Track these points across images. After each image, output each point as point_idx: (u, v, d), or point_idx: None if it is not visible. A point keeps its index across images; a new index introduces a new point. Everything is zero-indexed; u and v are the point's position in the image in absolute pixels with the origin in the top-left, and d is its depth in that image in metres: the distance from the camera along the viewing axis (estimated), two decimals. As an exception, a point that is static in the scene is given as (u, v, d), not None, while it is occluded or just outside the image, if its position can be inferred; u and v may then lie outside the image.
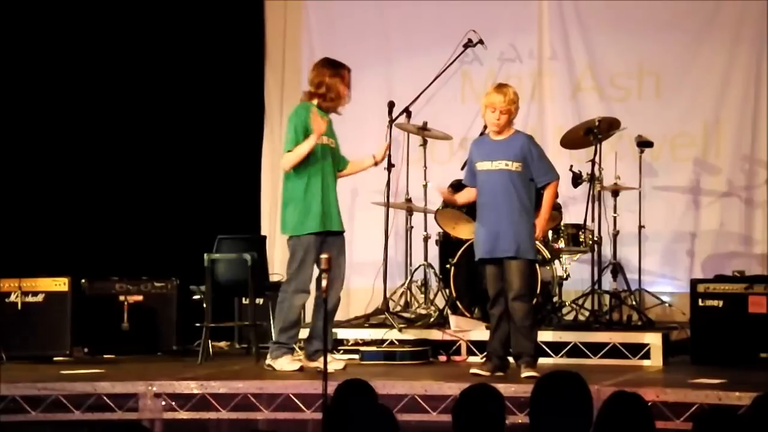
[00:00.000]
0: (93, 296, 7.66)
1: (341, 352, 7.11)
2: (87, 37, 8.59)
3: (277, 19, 8.91)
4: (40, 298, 7.41)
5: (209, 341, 7.16)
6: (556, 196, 6.69)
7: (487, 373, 6.07)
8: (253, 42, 8.89)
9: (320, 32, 8.83)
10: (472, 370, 6.14)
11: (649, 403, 3.54)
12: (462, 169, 6.73)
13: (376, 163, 6.71)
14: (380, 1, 8.69)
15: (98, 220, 8.56)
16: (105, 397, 5.91)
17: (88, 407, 5.89)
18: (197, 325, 7.21)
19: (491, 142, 6.20)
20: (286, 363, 6.43)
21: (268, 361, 6.49)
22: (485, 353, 6.31)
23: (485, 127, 6.64)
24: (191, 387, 5.98)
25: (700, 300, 6.80)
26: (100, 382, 6.03)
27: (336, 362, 6.43)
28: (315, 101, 6.47)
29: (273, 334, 6.61)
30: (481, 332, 6.97)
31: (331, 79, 6.44)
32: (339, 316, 7.95)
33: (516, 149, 6.13)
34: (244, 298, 7.65)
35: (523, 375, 6.02)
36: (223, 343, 8.02)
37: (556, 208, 7.51)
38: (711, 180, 8.01)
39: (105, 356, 7.46)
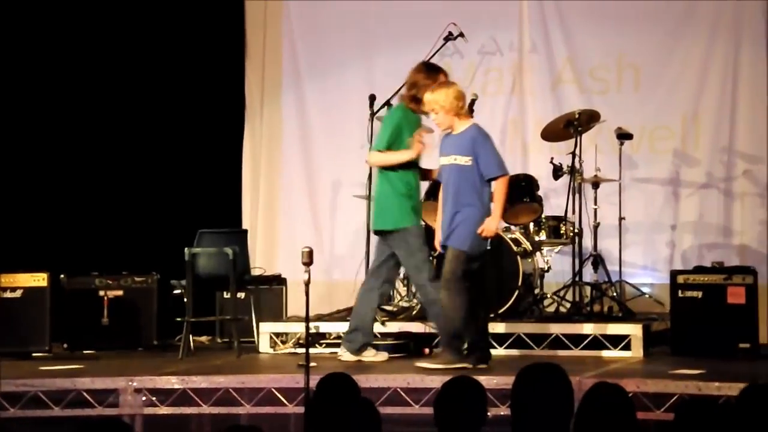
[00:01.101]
0: (72, 291, 7.62)
1: (323, 345, 7.10)
2: (67, 34, 8.54)
3: (258, 15, 8.88)
4: (18, 293, 7.35)
5: (190, 336, 7.14)
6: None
7: (470, 366, 6.08)
8: (233, 38, 8.85)
9: (301, 28, 8.81)
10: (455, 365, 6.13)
11: (630, 394, 3.54)
12: None
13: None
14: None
15: (78, 215, 8.52)
16: (85, 393, 5.87)
17: (68, 403, 5.85)
18: (178, 319, 7.18)
19: (449, 137, 6.22)
20: (372, 354, 6.50)
21: (352, 356, 6.51)
22: (466, 346, 6.32)
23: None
24: (172, 382, 5.95)
25: (679, 291, 6.83)
26: (80, 378, 5.99)
27: (380, 354, 6.47)
28: (407, 102, 6.52)
29: (362, 330, 6.55)
30: (462, 325, 6.98)
31: (424, 83, 6.46)
32: (321, 309, 7.98)
33: (466, 143, 6.12)
34: (225, 293, 7.63)
35: (417, 364, 6.07)
36: (204, 338, 8.00)
37: (538, 201, 7.54)
38: (690, 172, 8.04)
39: (85, 352, 7.42)
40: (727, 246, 7.85)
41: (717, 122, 7.97)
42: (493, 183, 6.13)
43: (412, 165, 6.47)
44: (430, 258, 6.63)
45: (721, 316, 6.68)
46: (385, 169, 6.47)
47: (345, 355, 6.53)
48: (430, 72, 6.48)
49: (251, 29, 8.90)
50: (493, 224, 6.10)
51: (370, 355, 6.51)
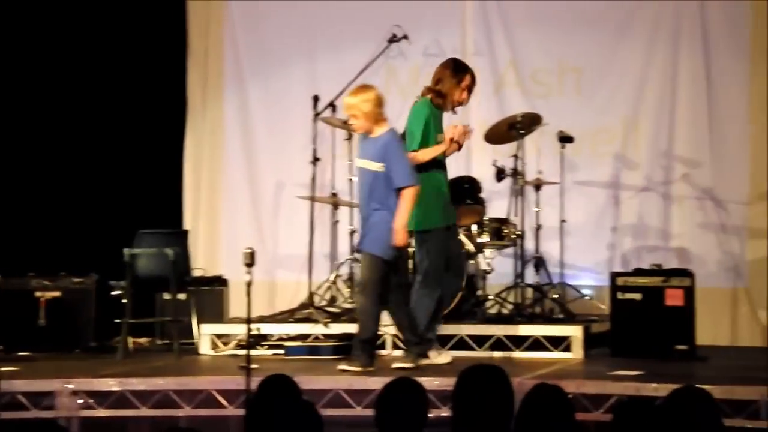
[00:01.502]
0: (8, 292, 7.49)
1: (265, 347, 7.07)
2: (7, 31, 8.39)
3: (200, 14, 8.81)
4: (-47, 294, 7.23)
5: (129, 337, 7.06)
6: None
7: (411, 365, 6.08)
8: (175, 37, 8.77)
9: (244, 27, 8.76)
10: (340, 367, 6.11)
11: (570, 395, 3.57)
12: None
13: (459, 148, 6.68)
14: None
15: (13, 215, 8.37)
16: (20, 396, 5.77)
17: (3, 406, 5.74)
18: (117, 321, 7.10)
19: (366, 139, 6.21)
20: (434, 356, 6.41)
21: (411, 359, 6.38)
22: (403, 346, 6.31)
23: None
24: (110, 384, 5.88)
25: (619, 293, 6.90)
26: (15, 380, 5.89)
27: (444, 356, 6.41)
28: (430, 96, 6.52)
29: (417, 331, 6.43)
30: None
31: (449, 80, 6.50)
32: (264, 310, 7.94)
33: (379, 149, 6.12)
34: (165, 294, 7.56)
35: (339, 367, 6.07)
36: (143, 340, 7.91)
37: (481, 203, 7.58)
38: (630, 175, 8.13)
39: (20, 353, 7.29)
40: (665, 248, 7.95)
41: (656, 126, 8.06)
42: (403, 191, 6.11)
43: (439, 164, 6.46)
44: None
45: (660, 318, 6.77)
46: (421, 167, 6.42)
47: (408, 360, 6.38)
48: (458, 71, 6.53)
49: (193, 28, 8.82)
50: (402, 234, 6.09)
51: (433, 357, 6.39)
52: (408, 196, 6.08)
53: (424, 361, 6.29)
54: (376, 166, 6.11)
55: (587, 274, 8.09)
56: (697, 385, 3.70)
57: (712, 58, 7.90)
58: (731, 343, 7.69)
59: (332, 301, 7.49)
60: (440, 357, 6.40)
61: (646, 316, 6.78)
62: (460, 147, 6.61)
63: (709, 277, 7.65)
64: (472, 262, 7.40)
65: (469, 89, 6.58)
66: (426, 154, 6.39)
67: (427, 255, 6.39)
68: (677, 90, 8.00)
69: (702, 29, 7.89)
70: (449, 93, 6.51)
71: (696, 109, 7.94)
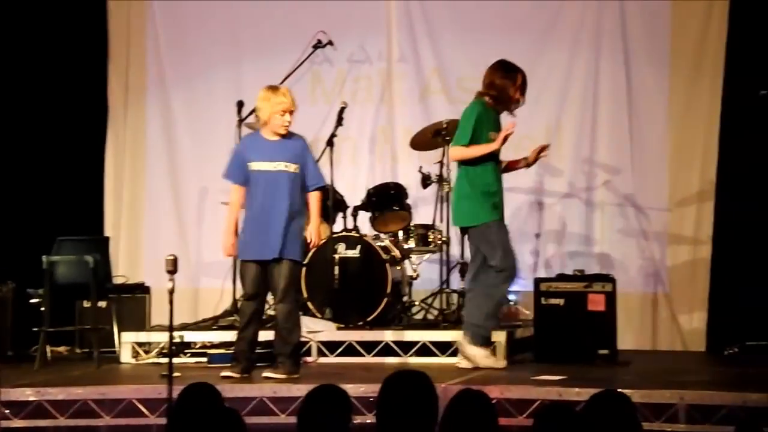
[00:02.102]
0: None
1: (188, 355, 6.99)
2: None
3: (121, 18, 8.69)
4: None
5: (47, 346, 6.94)
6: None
7: (237, 375, 6.06)
8: (95, 41, 8.64)
9: (166, 31, 8.66)
10: (223, 373, 6.09)
11: (494, 401, 3.59)
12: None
13: (527, 165, 6.80)
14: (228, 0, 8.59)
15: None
16: (-65, 407, 5.62)
17: None
18: (35, 329, 6.96)
19: (268, 142, 6.14)
20: (484, 357, 6.36)
21: (467, 344, 6.36)
22: (233, 355, 6.27)
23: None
24: (27, 394, 5.76)
25: (543, 298, 6.96)
26: (-70, 391, 5.73)
27: (499, 360, 6.37)
28: (486, 99, 6.52)
29: (473, 317, 6.42)
30: (332, 333, 6.98)
31: (501, 81, 6.51)
32: (187, 317, 7.85)
33: (296, 151, 6.14)
34: (85, 301, 7.44)
35: (264, 374, 6.04)
36: (62, 348, 7.76)
37: (407, 209, 7.60)
38: (553, 181, 8.21)
39: (-64, 363, 7.11)
40: (588, 254, 8.04)
41: (579, 133, 8.15)
42: (314, 193, 6.18)
43: (491, 160, 6.48)
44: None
45: (582, 323, 6.84)
46: (465, 165, 6.48)
47: (462, 362, 6.42)
48: (509, 71, 6.56)
49: (114, 30, 8.70)
50: (318, 236, 6.22)
51: (483, 355, 6.38)
52: (318, 197, 6.20)
53: (483, 363, 6.33)
54: (294, 167, 6.10)
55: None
56: (616, 389, 3.74)
57: (632, 67, 8.02)
58: (652, 348, 7.80)
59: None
60: (490, 359, 6.40)
61: (568, 322, 6.85)
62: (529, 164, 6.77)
63: (630, 283, 7.76)
64: (398, 268, 7.42)
65: (522, 88, 6.58)
66: (476, 150, 6.44)
67: (492, 246, 6.40)
68: (599, 98, 8.10)
69: (623, 38, 8.00)
70: (505, 93, 6.51)
71: (617, 116, 8.05)
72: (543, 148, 6.73)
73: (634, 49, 7.99)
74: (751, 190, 7.51)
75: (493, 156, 6.53)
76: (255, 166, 6.11)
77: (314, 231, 6.23)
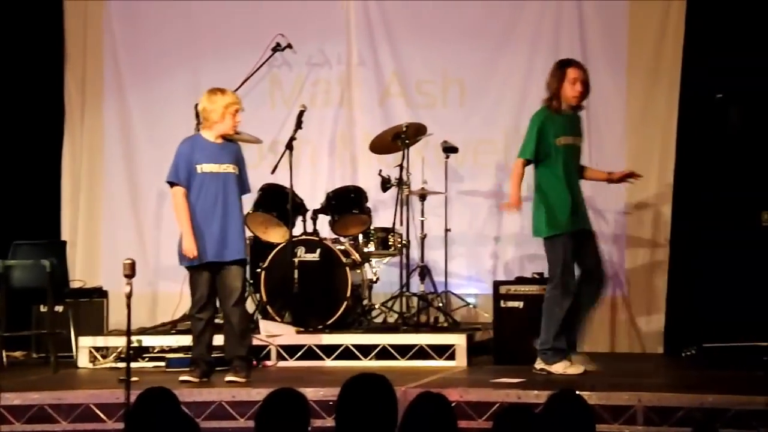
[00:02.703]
0: None
1: (146, 359, 6.93)
2: None
3: (78, 19, 8.61)
4: None
5: (3, 351, 6.87)
6: None
7: (196, 380, 6.04)
8: (51, 43, 8.55)
9: (123, 34, 8.60)
10: (181, 378, 6.07)
11: (453, 403, 3.60)
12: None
13: (609, 180, 6.76)
14: (185, 1, 8.53)
15: None
16: None
17: None
18: (-9, 334, 6.88)
19: (212, 144, 6.12)
20: (564, 369, 6.27)
21: (541, 366, 6.27)
22: (191, 359, 6.24)
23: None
24: (-17, 400, 5.69)
25: (502, 301, 6.99)
26: None
27: (575, 366, 6.27)
28: (548, 104, 6.41)
29: (543, 338, 6.33)
30: (291, 337, 6.96)
31: (551, 80, 6.41)
32: (145, 322, 7.79)
33: (236, 154, 6.16)
34: (42, 306, 7.36)
35: (227, 379, 6.02)
36: (18, 353, 7.67)
37: (367, 213, 7.60)
38: (512, 185, 8.23)
39: None
40: (546, 257, 8.05)
41: (537, 137, 8.19)
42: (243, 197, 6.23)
43: (561, 170, 6.33)
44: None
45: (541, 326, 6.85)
46: (539, 174, 6.37)
47: (539, 366, 6.35)
48: (559, 67, 6.46)
49: (71, 31, 8.62)
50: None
51: (563, 368, 6.30)
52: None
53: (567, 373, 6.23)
54: (235, 169, 6.11)
55: (471, 283, 8.18)
56: (570, 390, 3.77)
57: (590, 70, 8.04)
58: (610, 350, 7.85)
59: (215, 311, 7.39)
60: (571, 368, 6.31)
61: (527, 324, 6.87)
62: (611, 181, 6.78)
63: (588, 285, 7.80)
64: (358, 271, 7.42)
65: (581, 80, 6.42)
66: (512, 183, 6.43)
67: (551, 261, 6.35)
68: (557, 102, 8.13)
69: (581, 41, 8.05)
70: (558, 91, 6.38)
71: (575, 120, 8.09)
72: (633, 175, 6.64)
73: (592, 52, 8.04)
74: (707, 193, 7.58)
75: (564, 165, 6.36)
76: (204, 168, 6.08)
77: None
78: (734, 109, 6.96)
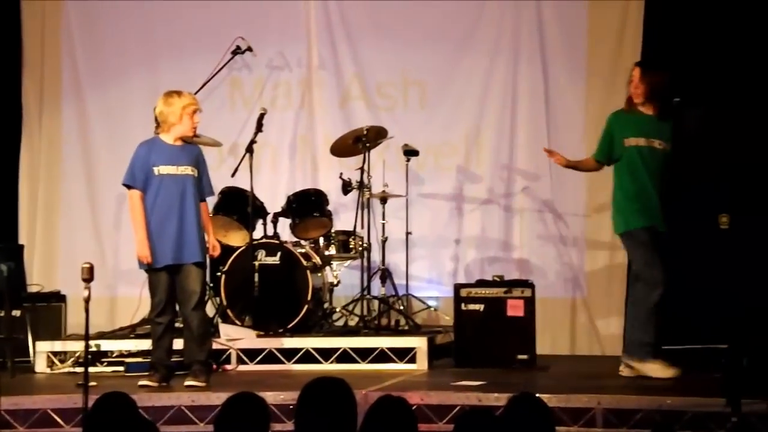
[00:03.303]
0: None
1: (105, 364, 6.88)
2: None
3: (35, 20, 8.54)
4: None
5: (-43, 357, 6.77)
6: None
7: (155, 384, 6.01)
8: (9, 43, 8.45)
9: (81, 35, 8.54)
10: (141, 383, 6.02)
11: (414, 407, 3.60)
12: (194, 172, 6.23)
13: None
14: (144, 1, 8.47)
15: None
16: None
17: None
18: (-54, 339, 6.79)
19: (170, 146, 6.09)
20: (660, 369, 6.14)
21: (632, 363, 6.16)
22: (150, 363, 6.20)
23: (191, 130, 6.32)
24: (-62, 405, 5.60)
25: (463, 304, 7.01)
26: None
27: (669, 369, 6.13)
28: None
29: (631, 335, 6.21)
30: (252, 340, 6.93)
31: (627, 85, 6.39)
32: (104, 326, 7.72)
33: (194, 156, 6.13)
34: (-1, 310, 7.27)
35: (187, 384, 5.98)
36: (-26, 359, 7.57)
37: (327, 216, 7.59)
38: (473, 188, 8.27)
39: None
40: (507, 260, 8.11)
41: (498, 140, 8.23)
42: (204, 203, 6.19)
43: (632, 164, 6.29)
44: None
45: (502, 329, 6.90)
46: (613, 173, 6.35)
47: (625, 371, 6.29)
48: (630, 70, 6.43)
49: (28, 31, 8.54)
50: (219, 247, 6.20)
51: (654, 370, 6.19)
52: (206, 207, 6.19)
53: (656, 375, 6.12)
54: (194, 172, 6.08)
55: (432, 286, 8.19)
56: (530, 393, 3.78)
57: (550, 74, 8.13)
58: (570, 353, 7.90)
59: (175, 315, 7.34)
60: (668, 370, 6.18)
61: (488, 327, 6.91)
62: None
63: (549, 288, 7.85)
64: (318, 274, 7.40)
65: (634, 80, 6.37)
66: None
67: (630, 256, 6.30)
68: (517, 105, 8.18)
69: (540, 45, 8.10)
70: (628, 93, 6.40)
71: (535, 123, 8.14)
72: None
73: (552, 56, 8.10)
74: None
75: (631, 165, 6.32)
76: (162, 170, 6.04)
77: (215, 241, 6.20)
78: (691, 113, 7.01)
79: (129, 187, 6.11)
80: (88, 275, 5.19)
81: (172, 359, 6.23)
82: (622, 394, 5.56)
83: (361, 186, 7.46)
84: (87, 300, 5.20)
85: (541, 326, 7.13)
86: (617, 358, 7.64)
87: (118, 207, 8.29)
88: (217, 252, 6.20)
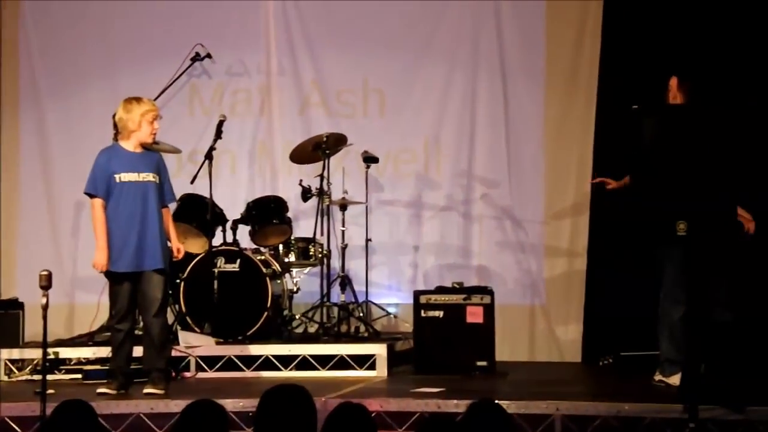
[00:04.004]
0: None
1: (63, 371, 6.82)
2: None
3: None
4: None
5: None
6: None
7: (114, 392, 5.98)
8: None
9: (39, 41, 8.48)
10: (99, 390, 5.99)
11: (373, 414, 3.61)
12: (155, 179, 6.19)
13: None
14: (104, 6, 8.42)
15: None
16: None
17: None
18: None
19: (130, 154, 6.06)
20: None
21: (659, 377, 6.07)
22: (109, 371, 6.16)
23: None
24: None
25: (422, 311, 7.03)
26: None
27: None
28: None
29: (662, 350, 6.11)
30: (211, 348, 6.91)
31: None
32: (62, 333, 7.66)
33: (155, 162, 6.11)
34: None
35: (146, 391, 5.97)
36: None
37: (287, 223, 7.58)
38: (432, 195, 8.31)
39: None
40: (466, 266, 8.15)
41: (457, 147, 8.27)
42: (167, 208, 6.18)
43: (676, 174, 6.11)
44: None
45: (461, 335, 6.93)
46: None
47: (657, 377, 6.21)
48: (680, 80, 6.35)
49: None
50: (183, 250, 6.22)
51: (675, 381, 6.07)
52: (169, 212, 6.17)
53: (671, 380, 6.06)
54: (156, 178, 6.06)
55: (392, 293, 8.21)
56: (489, 399, 3.81)
57: (509, 81, 8.18)
58: (529, 359, 7.95)
59: (134, 323, 7.30)
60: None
61: (448, 334, 6.93)
62: None
63: (508, 295, 7.89)
64: (278, 281, 7.40)
65: (676, 88, 6.32)
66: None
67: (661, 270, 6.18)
68: (476, 112, 8.23)
69: (499, 53, 8.15)
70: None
71: (494, 130, 8.19)
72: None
73: (511, 62, 8.15)
74: (624, 203, 7.71)
75: (680, 168, 6.15)
76: (123, 177, 6.01)
77: (180, 245, 6.19)
78: (649, 120, 7.09)
79: (91, 195, 6.06)
80: (46, 282, 5.15)
81: (131, 366, 6.20)
82: (580, 400, 5.60)
83: (321, 193, 7.46)
84: (45, 307, 5.16)
85: (500, 333, 7.16)
86: (576, 365, 7.75)
87: (77, 214, 8.23)
88: (181, 255, 6.19)
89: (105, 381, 6.11)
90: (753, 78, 7.40)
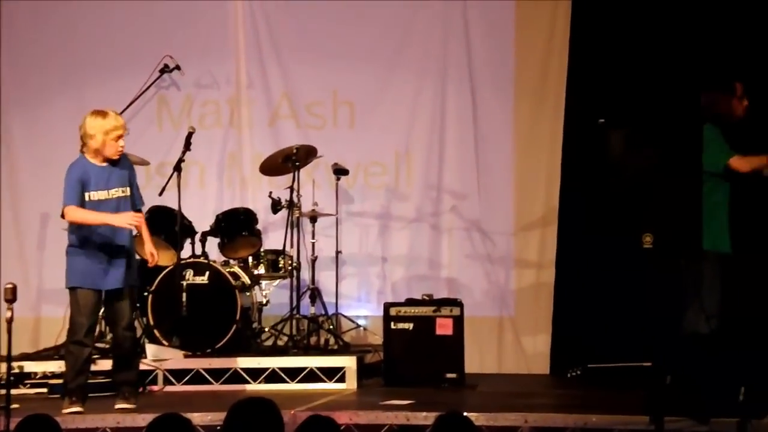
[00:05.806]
0: None
1: (28, 386, 6.75)
2: None
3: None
4: None
5: None
6: None
7: (81, 409, 5.89)
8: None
9: (5, 51, 8.39)
10: (67, 410, 5.84)
11: (342, 427, 3.60)
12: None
13: None
14: (69, 13, 8.37)
15: None
16: None
17: None
18: None
19: (100, 168, 5.94)
20: None
21: None
22: (72, 388, 5.93)
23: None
24: None
25: (392, 323, 7.03)
26: None
27: None
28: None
29: None
30: (179, 361, 6.87)
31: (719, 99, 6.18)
32: (27, 347, 7.58)
33: (127, 173, 6.01)
34: None
35: (117, 407, 5.91)
36: None
37: (257, 235, 7.56)
38: (401, 207, 8.31)
39: None
40: (435, 278, 8.15)
41: (426, 159, 8.28)
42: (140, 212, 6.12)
43: (725, 179, 6.02)
44: None
45: (431, 347, 6.93)
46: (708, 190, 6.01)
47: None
48: (724, 89, 6.24)
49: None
50: (157, 259, 6.12)
51: None
52: (143, 216, 6.10)
53: None
54: (127, 192, 5.99)
55: (361, 305, 8.20)
56: (458, 412, 3.81)
57: (478, 94, 8.20)
58: (498, 371, 7.96)
59: (100, 336, 7.25)
60: None
61: (417, 346, 6.93)
62: None
63: (477, 307, 7.89)
64: (247, 294, 7.37)
65: (742, 93, 6.21)
66: (745, 163, 6.03)
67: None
68: (446, 125, 8.24)
69: (468, 65, 8.18)
70: (716, 109, 6.18)
71: (463, 143, 8.21)
72: None
73: (480, 76, 8.18)
74: (591, 216, 7.75)
75: (726, 180, 6.08)
76: (92, 196, 5.91)
77: (154, 249, 6.08)
78: (616, 134, 7.14)
79: (68, 205, 5.97)
80: (11, 296, 5.11)
81: (95, 380, 6.15)
82: (548, 412, 5.62)
83: (291, 205, 7.44)
84: (10, 321, 5.12)
85: (469, 345, 7.16)
86: (544, 377, 7.77)
87: (42, 226, 8.17)
88: (156, 260, 6.10)
89: (69, 399, 5.97)
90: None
